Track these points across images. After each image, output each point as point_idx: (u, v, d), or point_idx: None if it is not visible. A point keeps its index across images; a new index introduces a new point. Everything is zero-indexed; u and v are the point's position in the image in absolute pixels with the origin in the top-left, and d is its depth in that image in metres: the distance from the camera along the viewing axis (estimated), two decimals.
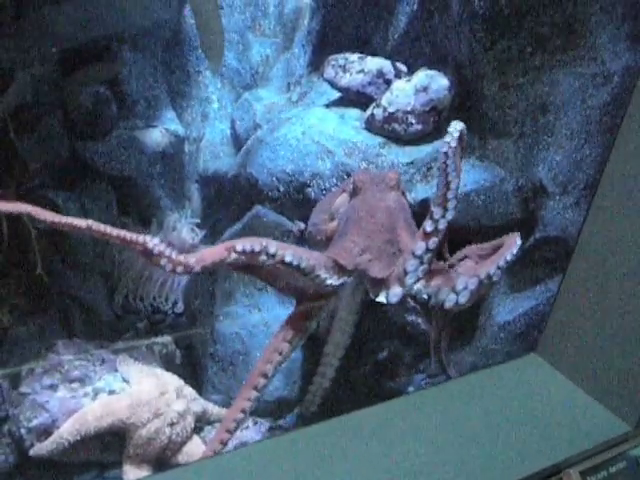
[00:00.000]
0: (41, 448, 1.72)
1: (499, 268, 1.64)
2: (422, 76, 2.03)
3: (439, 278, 1.62)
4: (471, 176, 1.95)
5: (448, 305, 1.60)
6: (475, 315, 2.08)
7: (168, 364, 2.06)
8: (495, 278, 1.62)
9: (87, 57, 2.13)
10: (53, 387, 1.81)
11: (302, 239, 2.03)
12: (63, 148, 2.15)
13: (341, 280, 1.63)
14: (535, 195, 1.94)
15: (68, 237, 2.05)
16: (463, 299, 1.59)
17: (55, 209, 1.96)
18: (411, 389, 2.04)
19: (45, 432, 1.75)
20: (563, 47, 1.78)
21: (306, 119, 2.12)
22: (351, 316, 1.81)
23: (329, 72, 2.19)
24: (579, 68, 1.79)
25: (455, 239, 1.80)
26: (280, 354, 1.69)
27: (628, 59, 1.80)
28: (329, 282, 1.61)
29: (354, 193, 1.76)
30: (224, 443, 1.69)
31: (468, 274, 1.63)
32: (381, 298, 1.62)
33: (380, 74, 2.12)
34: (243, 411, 1.67)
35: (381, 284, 1.61)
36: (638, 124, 1.68)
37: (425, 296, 1.61)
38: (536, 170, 1.91)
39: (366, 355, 2.05)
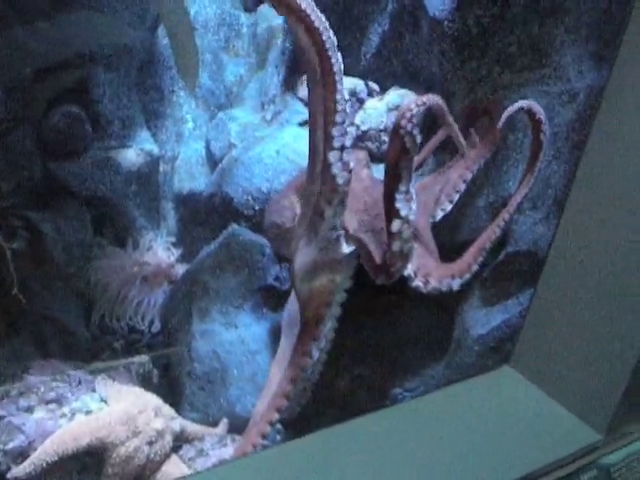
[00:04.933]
0: (18, 471, 1.69)
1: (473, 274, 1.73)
2: (394, 95, 2.06)
3: (427, 267, 1.69)
4: None
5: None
6: (449, 330, 2.10)
7: (145, 383, 2.06)
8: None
9: (59, 76, 2.14)
10: (29, 409, 1.80)
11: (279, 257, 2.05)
12: (37, 168, 2.15)
13: (348, 247, 1.65)
14: None
15: (43, 257, 2.05)
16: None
17: (31, 229, 1.98)
18: (387, 403, 2.06)
19: (22, 455, 1.73)
20: (530, 66, 1.82)
21: (280, 138, 2.14)
22: (337, 309, 1.80)
23: (303, 91, 2.22)
24: (546, 87, 1.82)
25: None
26: (303, 370, 1.71)
27: (592, 78, 1.84)
28: (343, 245, 1.63)
29: None
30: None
31: (447, 275, 1.71)
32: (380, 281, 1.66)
33: (353, 93, 2.15)
34: (254, 446, 1.72)
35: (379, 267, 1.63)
36: (602, 141, 1.73)
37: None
38: (506, 186, 1.94)
39: (343, 369, 2.07)
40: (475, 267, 1.78)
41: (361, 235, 1.65)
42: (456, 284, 1.75)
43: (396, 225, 1.56)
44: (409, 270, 1.67)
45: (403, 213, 1.55)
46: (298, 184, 1.86)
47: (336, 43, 1.40)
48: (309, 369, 1.74)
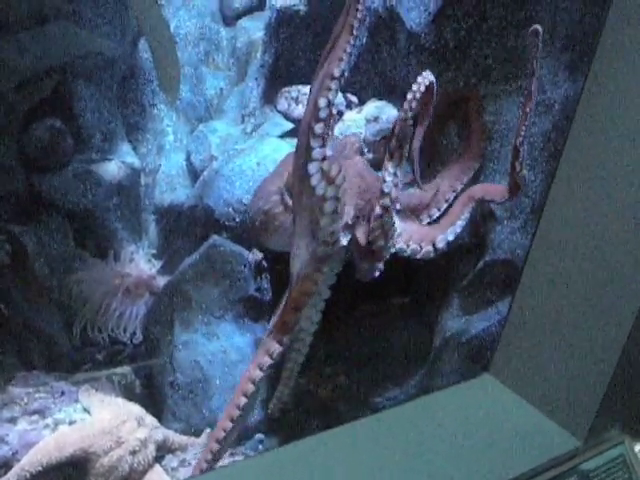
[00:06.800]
0: None
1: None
2: (372, 107, 2.09)
3: (429, 235, 1.75)
4: None
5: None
6: (429, 338, 2.12)
7: (128, 394, 2.06)
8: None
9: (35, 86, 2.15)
10: (13, 420, 1.80)
11: (259, 268, 2.06)
12: (19, 181, 2.15)
13: (345, 235, 1.65)
14: (484, 220, 2.00)
15: (26, 269, 2.05)
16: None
17: (13, 242, 1.98)
18: (368, 411, 2.07)
19: (5, 465, 1.73)
20: (506, 77, 1.85)
21: (261, 150, 2.16)
22: (326, 291, 1.79)
23: (282, 104, 2.24)
24: (522, 97, 1.84)
25: (407, 265, 1.85)
26: (271, 356, 1.69)
27: (567, 88, 1.87)
28: (341, 233, 1.62)
29: None
30: (209, 462, 1.72)
31: (446, 227, 1.78)
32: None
33: None
34: (224, 430, 1.69)
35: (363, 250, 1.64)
36: (578, 150, 1.76)
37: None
38: None
39: (324, 379, 2.08)
40: (465, 216, 1.82)
41: (354, 221, 1.66)
42: (459, 227, 1.80)
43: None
44: (413, 245, 1.73)
45: (386, 189, 1.57)
46: (284, 169, 1.88)
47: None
48: (278, 356, 1.71)
